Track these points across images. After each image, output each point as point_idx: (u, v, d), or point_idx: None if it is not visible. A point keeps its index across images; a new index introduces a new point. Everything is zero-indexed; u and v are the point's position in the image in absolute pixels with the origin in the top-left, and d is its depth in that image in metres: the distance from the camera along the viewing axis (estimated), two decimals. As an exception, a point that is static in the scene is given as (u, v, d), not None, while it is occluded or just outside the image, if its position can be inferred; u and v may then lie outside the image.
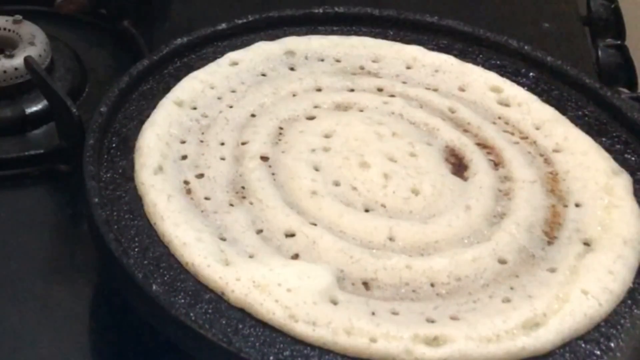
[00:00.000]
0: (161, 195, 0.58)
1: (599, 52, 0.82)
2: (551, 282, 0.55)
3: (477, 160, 0.63)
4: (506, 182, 0.62)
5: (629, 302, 0.55)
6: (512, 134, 0.65)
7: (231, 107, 0.66)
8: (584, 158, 0.63)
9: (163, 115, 0.63)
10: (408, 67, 0.69)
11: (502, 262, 0.57)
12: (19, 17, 0.76)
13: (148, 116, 0.63)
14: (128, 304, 0.55)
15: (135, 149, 0.61)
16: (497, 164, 0.63)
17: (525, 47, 0.69)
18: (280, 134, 0.64)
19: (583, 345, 0.53)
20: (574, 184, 0.61)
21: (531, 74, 0.69)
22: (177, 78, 0.67)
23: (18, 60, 0.72)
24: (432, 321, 0.53)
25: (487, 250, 0.57)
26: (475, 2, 0.86)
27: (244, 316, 0.53)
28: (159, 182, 0.59)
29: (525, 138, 0.65)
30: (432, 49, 0.70)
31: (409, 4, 0.73)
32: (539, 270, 0.56)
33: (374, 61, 0.70)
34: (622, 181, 0.61)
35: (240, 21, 0.71)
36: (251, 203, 0.59)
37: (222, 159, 0.62)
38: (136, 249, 0.56)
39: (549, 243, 0.58)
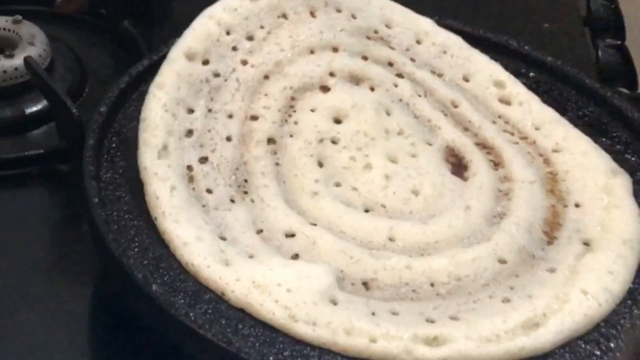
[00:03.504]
0: (164, 185, 0.57)
1: (599, 52, 0.82)
2: (551, 282, 0.55)
3: (476, 160, 0.63)
4: (506, 182, 0.62)
5: (629, 302, 0.55)
6: (512, 134, 0.65)
7: (245, 62, 0.64)
8: (584, 158, 0.62)
9: (172, 75, 0.62)
10: (418, 42, 0.68)
11: (502, 262, 0.57)
12: (19, 17, 0.76)
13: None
14: (128, 304, 0.55)
15: (140, 119, 0.60)
16: (496, 164, 0.63)
17: (525, 47, 0.69)
18: (292, 106, 0.63)
19: (583, 345, 0.53)
20: (574, 184, 0.61)
21: (531, 74, 0.69)
22: (177, 78, 0.66)
23: (18, 60, 0.72)
24: (432, 321, 0.53)
25: (487, 250, 0.57)
26: (475, 2, 0.86)
27: (243, 316, 0.53)
28: (162, 169, 0.58)
29: (525, 138, 0.65)
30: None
31: (409, 5, 0.73)
32: (539, 271, 0.56)
33: (387, 26, 0.68)
34: (622, 181, 0.61)
35: (240, 21, 0.71)
36: (252, 201, 0.59)
37: (229, 139, 0.61)
38: (136, 249, 0.56)
39: (549, 243, 0.58)
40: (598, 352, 0.53)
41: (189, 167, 0.60)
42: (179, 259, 0.55)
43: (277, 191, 0.59)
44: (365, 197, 0.60)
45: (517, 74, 0.69)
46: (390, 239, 0.58)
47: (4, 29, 0.76)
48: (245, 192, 0.60)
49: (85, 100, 0.75)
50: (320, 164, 0.61)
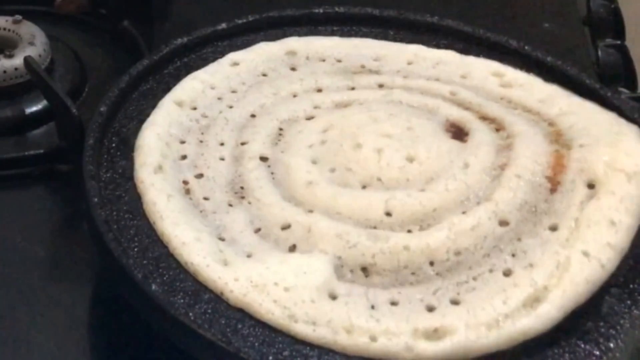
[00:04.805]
0: (161, 194, 0.58)
1: (599, 52, 0.82)
2: (553, 243, 0.55)
3: (476, 128, 0.62)
4: (507, 139, 0.61)
5: (629, 302, 0.55)
6: (515, 109, 0.65)
7: (231, 107, 0.66)
8: (589, 115, 0.62)
9: (163, 115, 0.63)
10: (409, 63, 0.69)
11: (503, 223, 0.56)
12: (19, 17, 0.76)
13: (148, 116, 0.64)
14: (128, 304, 0.55)
15: (135, 148, 0.61)
16: (498, 130, 0.63)
17: (525, 47, 0.69)
18: (280, 134, 0.64)
19: (583, 345, 0.53)
20: (579, 133, 0.61)
21: (531, 74, 0.69)
22: (177, 78, 0.67)
23: (18, 60, 0.72)
24: (432, 309, 0.52)
25: (487, 213, 0.56)
26: (475, 2, 0.86)
27: (243, 316, 0.53)
28: (158, 181, 0.59)
29: (528, 111, 0.64)
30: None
31: (409, 4, 0.73)
32: (541, 229, 0.56)
33: (375, 60, 0.69)
34: (631, 128, 0.61)
35: (240, 21, 0.72)
36: (249, 202, 0.59)
37: (222, 159, 0.62)
38: (135, 249, 0.56)
39: (552, 191, 0.58)
40: (597, 352, 0.52)
41: (185, 182, 0.60)
42: (178, 259, 0.55)
43: (273, 190, 0.59)
44: (360, 175, 0.59)
45: (517, 73, 0.69)
46: (387, 214, 0.57)
47: (4, 29, 0.76)
48: (242, 197, 0.60)
49: (85, 100, 0.75)
50: (314, 162, 0.61)
